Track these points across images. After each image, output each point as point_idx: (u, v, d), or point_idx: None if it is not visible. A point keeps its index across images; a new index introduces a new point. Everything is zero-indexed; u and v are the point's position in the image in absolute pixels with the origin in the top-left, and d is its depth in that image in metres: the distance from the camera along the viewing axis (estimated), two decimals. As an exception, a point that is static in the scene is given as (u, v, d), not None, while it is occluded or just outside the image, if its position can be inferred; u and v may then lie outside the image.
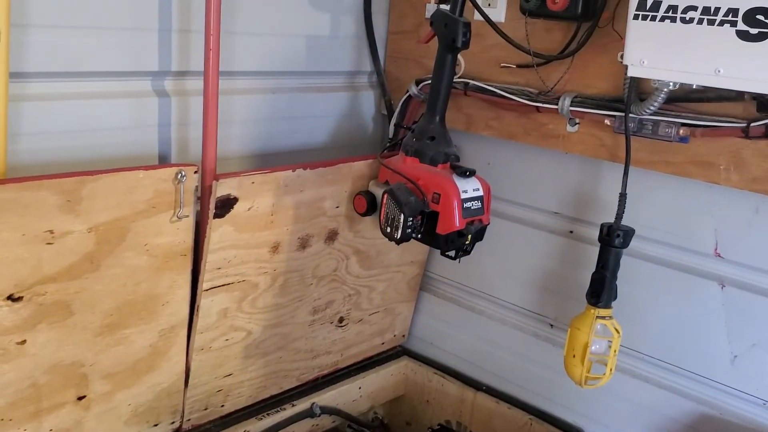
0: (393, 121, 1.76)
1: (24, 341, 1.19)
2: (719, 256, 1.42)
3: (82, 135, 1.34)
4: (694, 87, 1.22)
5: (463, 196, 1.41)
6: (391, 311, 1.90)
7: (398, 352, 1.99)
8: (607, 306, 1.39)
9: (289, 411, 1.69)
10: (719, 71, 1.09)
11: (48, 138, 1.29)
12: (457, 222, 1.40)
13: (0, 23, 1.11)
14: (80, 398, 1.31)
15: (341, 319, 1.77)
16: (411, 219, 1.40)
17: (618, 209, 1.35)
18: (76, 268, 1.22)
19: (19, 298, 1.16)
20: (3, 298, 1.15)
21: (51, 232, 1.16)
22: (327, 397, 1.78)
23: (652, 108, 1.28)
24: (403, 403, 1.99)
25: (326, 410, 1.75)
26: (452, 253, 1.49)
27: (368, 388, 1.89)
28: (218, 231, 1.36)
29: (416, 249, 1.85)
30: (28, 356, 1.21)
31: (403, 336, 1.99)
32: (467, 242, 1.45)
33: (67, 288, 1.22)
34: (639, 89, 1.34)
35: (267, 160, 1.65)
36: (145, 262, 1.30)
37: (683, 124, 1.29)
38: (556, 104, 1.45)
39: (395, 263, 1.83)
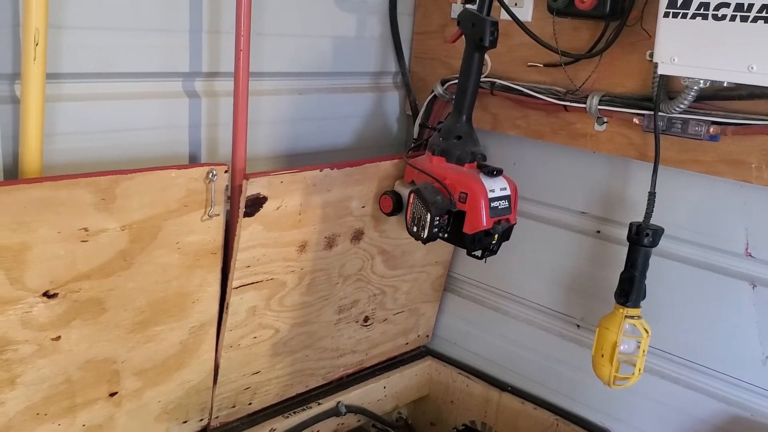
0: (418, 121, 1.77)
1: (59, 337, 1.21)
2: (750, 255, 1.41)
3: (114, 135, 1.36)
4: (725, 84, 1.21)
5: (490, 195, 1.41)
6: (415, 311, 1.91)
7: (422, 352, 1.99)
8: (636, 306, 1.38)
9: (314, 409, 1.70)
10: (752, 68, 1.09)
11: (82, 138, 1.31)
12: (484, 221, 1.40)
13: (38, 25, 1.13)
14: (112, 394, 1.33)
15: (366, 319, 1.78)
16: (438, 218, 1.41)
17: (647, 208, 1.34)
18: (109, 266, 1.23)
19: (55, 295, 1.18)
20: (39, 295, 1.16)
21: (86, 230, 1.18)
22: (352, 396, 1.78)
23: (681, 106, 1.28)
24: (427, 404, 1.99)
25: (351, 409, 1.76)
26: (478, 253, 1.49)
27: (393, 387, 1.89)
28: (248, 229, 1.37)
29: (441, 249, 1.86)
30: (63, 352, 1.23)
31: (427, 336, 1.99)
32: (494, 242, 1.46)
33: (100, 285, 1.23)
34: (668, 88, 1.34)
35: (293, 161, 1.66)
36: (176, 260, 1.32)
37: (713, 123, 1.29)
38: (584, 103, 1.45)
39: (420, 263, 1.83)
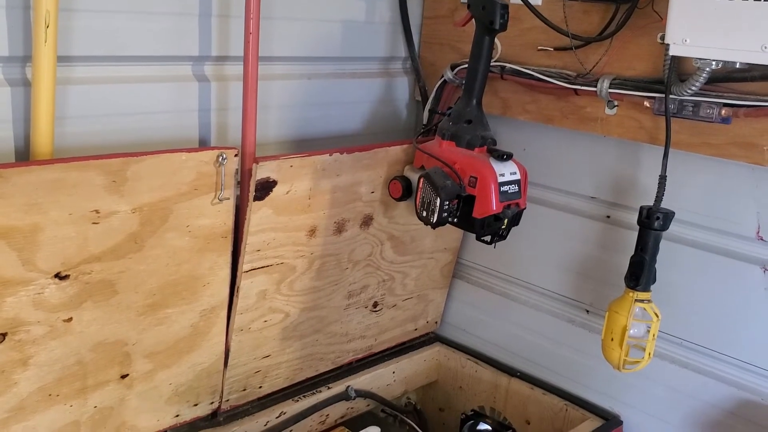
0: (427, 106, 1.76)
1: (70, 319, 1.22)
2: (762, 239, 1.40)
3: (124, 119, 1.36)
4: (737, 66, 1.20)
5: (500, 179, 1.41)
6: (424, 297, 1.91)
7: (431, 338, 2.00)
8: (646, 289, 1.38)
9: (324, 393, 1.70)
10: (766, 48, 1.08)
11: (92, 121, 1.32)
12: (494, 205, 1.40)
13: (49, 7, 1.13)
14: (123, 376, 1.34)
15: (375, 304, 1.78)
16: (447, 203, 1.40)
17: (658, 191, 1.34)
18: (120, 248, 1.24)
19: (66, 276, 1.19)
20: (51, 276, 1.17)
21: (97, 211, 1.19)
22: (361, 381, 1.79)
23: (693, 88, 1.27)
24: (436, 389, 2.00)
25: (361, 394, 1.76)
26: (488, 238, 1.48)
27: (402, 373, 1.89)
28: (258, 213, 1.38)
29: (450, 236, 1.85)
30: (75, 334, 1.24)
31: (436, 323, 1.99)
32: (503, 227, 1.45)
33: (111, 267, 1.24)
34: (679, 70, 1.33)
35: (302, 146, 1.66)
36: (187, 243, 1.33)
37: (725, 105, 1.28)
38: (595, 86, 1.44)
39: (429, 250, 1.83)
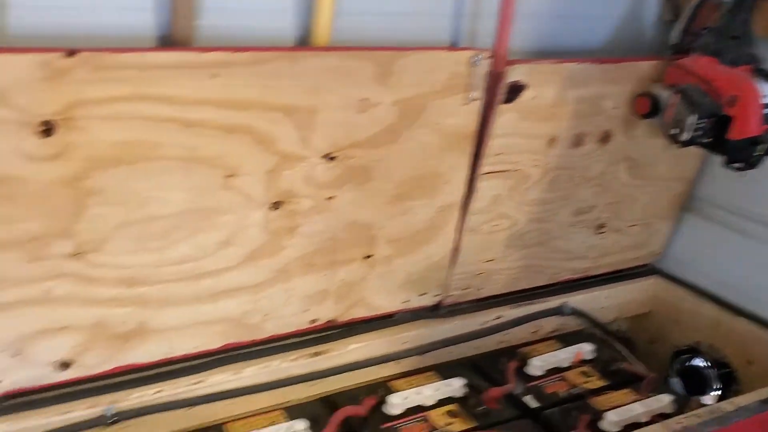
0: (681, 25, 1.66)
1: (333, 197, 1.35)
2: None
3: (382, 18, 1.42)
4: None
5: (764, 101, 1.32)
6: (649, 226, 1.86)
7: (650, 269, 1.95)
8: None
9: (538, 305, 1.74)
10: None
11: (356, 19, 1.39)
12: (755, 127, 1.32)
13: None
14: (367, 257, 1.46)
15: (601, 226, 1.77)
16: (703, 121, 1.35)
17: None
18: (379, 138, 1.33)
19: (334, 158, 1.31)
20: (321, 156, 1.29)
21: (365, 101, 1.28)
22: (574, 300, 1.79)
23: None
24: (648, 320, 1.96)
25: (576, 312, 1.78)
26: (737, 165, 1.41)
27: (615, 298, 1.88)
28: (504, 117, 1.41)
29: (687, 164, 1.78)
30: (334, 211, 1.36)
31: (658, 254, 1.93)
32: (757, 153, 1.37)
33: (370, 155, 1.34)
34: None
35: (545, 57, 1.65)
36: (435, 140, 1.39)
37: None
38: None
39: (663, 176, 1.77)
